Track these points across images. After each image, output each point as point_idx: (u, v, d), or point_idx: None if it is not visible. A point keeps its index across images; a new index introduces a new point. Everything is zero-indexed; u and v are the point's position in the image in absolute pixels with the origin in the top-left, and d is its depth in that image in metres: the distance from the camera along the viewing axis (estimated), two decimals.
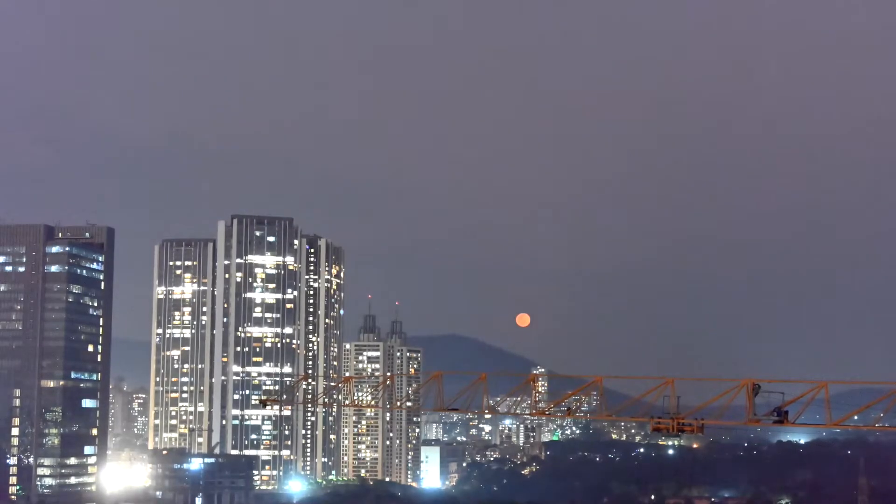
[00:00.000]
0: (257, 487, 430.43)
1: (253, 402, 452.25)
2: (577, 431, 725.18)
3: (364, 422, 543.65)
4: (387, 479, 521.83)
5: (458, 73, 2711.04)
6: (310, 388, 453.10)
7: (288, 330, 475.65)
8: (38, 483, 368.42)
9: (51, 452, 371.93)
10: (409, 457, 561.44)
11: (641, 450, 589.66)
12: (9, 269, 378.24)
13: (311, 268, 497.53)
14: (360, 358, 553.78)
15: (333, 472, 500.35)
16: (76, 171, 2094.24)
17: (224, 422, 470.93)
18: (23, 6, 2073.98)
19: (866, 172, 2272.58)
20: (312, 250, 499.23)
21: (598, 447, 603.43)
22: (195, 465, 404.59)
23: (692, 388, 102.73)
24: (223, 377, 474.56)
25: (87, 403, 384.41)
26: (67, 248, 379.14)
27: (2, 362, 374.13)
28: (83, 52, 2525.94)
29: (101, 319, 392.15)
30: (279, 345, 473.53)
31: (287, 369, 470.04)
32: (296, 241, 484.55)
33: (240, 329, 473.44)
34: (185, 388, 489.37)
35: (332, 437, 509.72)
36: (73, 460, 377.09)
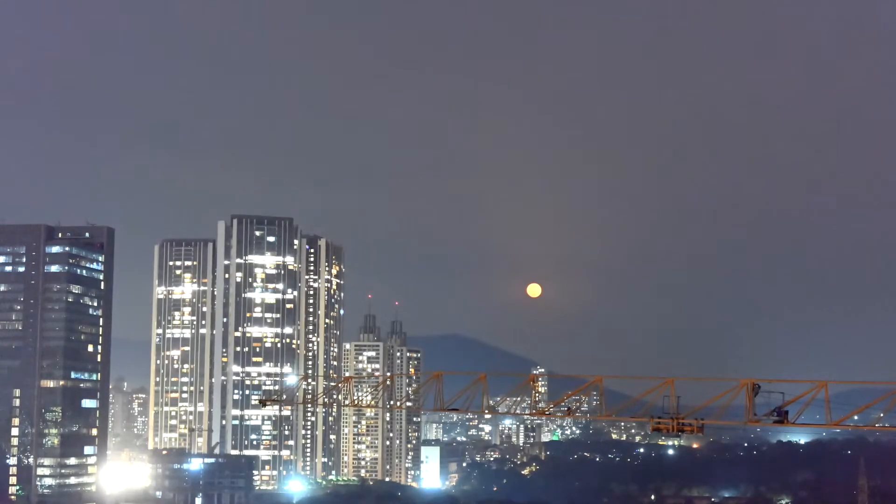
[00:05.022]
0: (257, 487, 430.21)
1: (253, 402, 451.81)
2: (577, 431, 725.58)
3: (364, 422, 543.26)
4: (387, 479, 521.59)
5: (462, 77, 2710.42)
6: (310, 388, 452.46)
7: (288, 330, 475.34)
8: (38, 483, 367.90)
9: (51, 452, 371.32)
10: (409, 457, 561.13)
11: (641, 450, 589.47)
12: (9, 269, 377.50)
13: (311, 268, 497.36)
14: (360, 358, 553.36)
15: (333, 472, 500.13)
16: (76, 171, 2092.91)
17: (224, 422, 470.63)
18: (24, 8, 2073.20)
19: (866, 171, 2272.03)
20: (312, 250, 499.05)
21: (598, 447, 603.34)
22: (195, 465, 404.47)
23: (692, 388, 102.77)
24: (223, 377, 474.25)
25: (87, 403, 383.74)
26: (67, 248, 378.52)
27: (2, 362, 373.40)
28: (83, 52, 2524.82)
29: (101, 319, 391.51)
30: (279, 345, 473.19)
31: (287, 369, 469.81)
32: (296, 241, 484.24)
33: (240, 329, 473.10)
34: (185, 388, 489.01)
35: (332, 437, 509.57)
36: (73, 460, 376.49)
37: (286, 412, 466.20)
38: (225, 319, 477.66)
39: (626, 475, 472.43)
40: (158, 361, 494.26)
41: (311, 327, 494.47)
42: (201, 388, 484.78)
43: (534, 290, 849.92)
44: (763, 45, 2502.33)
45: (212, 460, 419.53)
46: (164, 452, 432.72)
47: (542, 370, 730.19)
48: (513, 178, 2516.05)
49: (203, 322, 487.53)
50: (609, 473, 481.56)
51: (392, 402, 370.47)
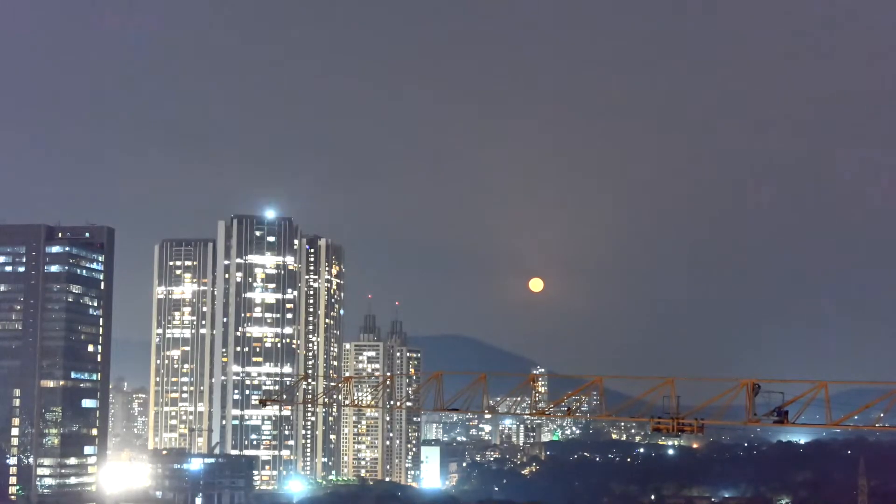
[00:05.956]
0: (257, 487, 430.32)
1: (253, 402, 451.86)
2: (577, 431, 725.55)
3: (364, 422, 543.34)
4: (387, 479, 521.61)
5: (461, 76, 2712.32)
6: (310, 388, 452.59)
7: (288, 330, 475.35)
8: (38, 483, 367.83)
9: (51, 452, 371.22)
10: (409, 457, 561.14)
11: (641, 450, 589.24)
12: (9, 269, 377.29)
13: (311, 268, 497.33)
14: (360, 358, 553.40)
15: (333, 472, 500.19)
16: (76, 171, 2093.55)
17: (224, 422, 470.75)
18: (24, 8, 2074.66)
19: (867, 171, 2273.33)
20: (312, 250, 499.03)
21: (598, 447, 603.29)
22: (195, 465, 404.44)
23: (692, 388, 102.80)
24: (223, 377, 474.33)
25: (87, 403, 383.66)
26: (67, 248, 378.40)
27: (2, 362, 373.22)
28: (83, 52, 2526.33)
29: (101, 319, 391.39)
30: (279, 345, 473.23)
31: (287, 369, 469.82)
32: (296, 241, 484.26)
33: (240, 329, 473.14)
34: (185, 388, 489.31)
35: (332, 437, 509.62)
36: (73, 460, 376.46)
37: (286, 412, 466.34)
38: (225, 319, 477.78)
39: (626, 475, 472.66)
40: (158, 361, 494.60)
41: (311, 327, 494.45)
42: (201, 388, 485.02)
43: (536, 284, 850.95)
44: (762, 44, 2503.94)
45: (212, 460, 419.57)
46: (164, 452, 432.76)
47: (542, 370, 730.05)
48: (513, 178, 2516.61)
49: (203, 322, 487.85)
50: (609, 473, 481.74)
51: (392, 402, 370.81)
